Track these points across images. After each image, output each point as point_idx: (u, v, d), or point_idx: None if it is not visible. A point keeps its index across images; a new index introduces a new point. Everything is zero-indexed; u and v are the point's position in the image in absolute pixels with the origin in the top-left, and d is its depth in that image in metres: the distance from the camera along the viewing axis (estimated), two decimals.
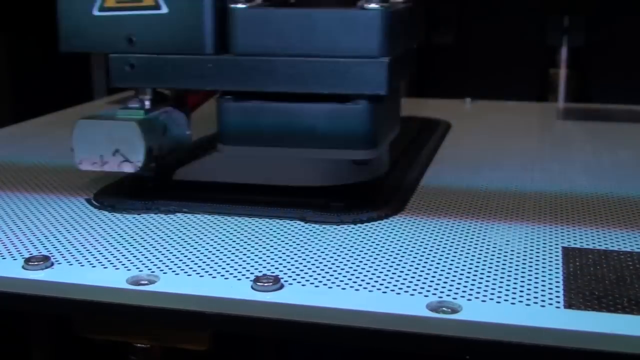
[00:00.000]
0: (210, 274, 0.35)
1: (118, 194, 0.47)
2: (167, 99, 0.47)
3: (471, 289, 0.33)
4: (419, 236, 0.40)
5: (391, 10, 0.41)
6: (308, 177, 0.46)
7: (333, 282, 0.34)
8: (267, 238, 0.40)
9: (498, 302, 0.32)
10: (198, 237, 0.40)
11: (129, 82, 0.44)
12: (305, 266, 0.36)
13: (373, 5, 0.40)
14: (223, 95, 0.43)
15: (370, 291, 0.33)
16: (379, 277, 0.35)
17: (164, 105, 0.46)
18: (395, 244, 0.39)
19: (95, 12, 0.43)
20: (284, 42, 0.41)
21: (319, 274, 0.35)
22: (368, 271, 0.35)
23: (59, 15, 0.44)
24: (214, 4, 0.42)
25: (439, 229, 0.41)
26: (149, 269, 0.36)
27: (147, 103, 0.45)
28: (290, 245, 0.39)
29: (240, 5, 0.42)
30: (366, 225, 0.42)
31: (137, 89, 0.45)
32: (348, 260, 0.37)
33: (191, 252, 0.38)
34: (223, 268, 0.36)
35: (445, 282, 0.34)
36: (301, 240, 0.39)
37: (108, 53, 0.44)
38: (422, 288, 0.33)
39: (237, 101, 0.42)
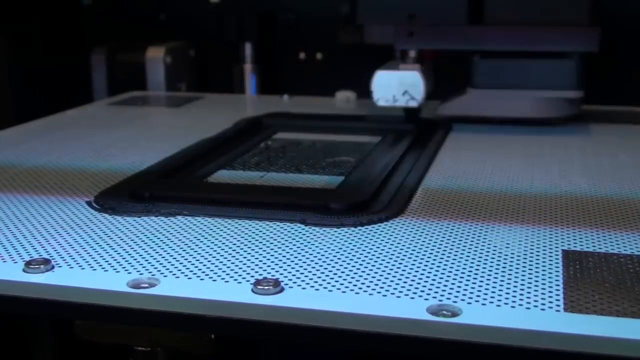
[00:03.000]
0: (211, 277, 0.35)
1: (118, 196, 0.47)
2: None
3: (471, 292, 0.33)
4: (420, 239, 0.40)
5: None
6: (535, 110, 0.66)
7: (333, 286, 0.34)
8: (268, 241, 0.40)
9: (498, 306, 0.32)
10: (198, 239, 0.40)
11: (409, 45, 0.66)
12: (305, 269, 0.36)
13: None
14: (474, 55, 0.66)
15: (370, 294, 0.33)
16: (379, 280, 0.35)
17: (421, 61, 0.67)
18: (396, 247, 0.39)
19: None
20: (523, 13, 0.63)
21: (320, 277, 0.35)
22: (368, 274, 0.35)
23: None
24: None
25: (440, 232, 0.41)
26: (150, 272, 0.36)
27: (415, 59, 0.66)
28: (291, 248, 0.39)
29: None
30: (367, 228, 0.42)
31: (407, 51, 0.66)
32: (348, 264, 0.37)
33: (191, 255, 0.38)
34: (223, 271, 0.36)
35: (445, 286, 0.34)
36: (301, 243, 0.39)
37: (393, 24, 0.66)
38: (422, 291, 0.33)
39: (484, 58, 0.66)
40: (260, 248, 0.39)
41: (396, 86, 0.64)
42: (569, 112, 0.67)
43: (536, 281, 0.34)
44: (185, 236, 0.40)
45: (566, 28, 0.63)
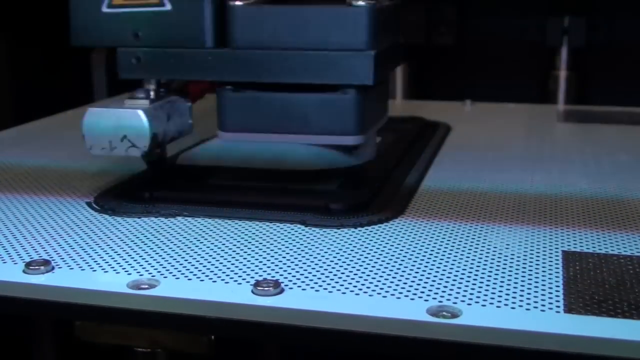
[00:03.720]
0: (211, 278, 0.35)
1: (119, 197, 0.47)
2: (170, 90, 0.50)
3: (471, 294, 0.33)
4: (419, 240, 0.40)
5: (377, 7, 0.44)
6: (300, 162, 0.49)
7: (333, 287, 0.34)
8: (268, 242, 0.40)
9: (498, 307, 0.32)
10: (198, 240, 0.40)
11: (135, 74, 0.47)
12: (305, 270, 0.36)
13: (360, 3, 0.44)
14: (222, 86, 0.46)
15: (370, 295, 0.33)
16: (379, 281, 0.35)
17: (168, 95, 0.49)
18: (396, 247, 0.39)
19: (104, 9, 0.46)
20: (278, 36, 0.45)
21: (320, 278, 0.35)
22: (368, 275, 0.35)
23: (70, 12, 0.47)
24: (214, 2, 0.45)
25: (440, 233, 0.41)
26: (150, 273, 0.36)
27: (152, 93, 0.48)
28: (291, 249, 0.39)
29: (238, 3, 0.45)
30: (367, 229, 0.42)
31: (142, 80, 0.48)
32: (348, 265, 0.37)
33: (192, 256, 0.38)
34: (223, 272, 0.36)
35: (445, 287, 0.34)
36: (301, 244, 0.39)
37: (116, 47, 0.47)
38: (422, 292, 0.33)
39: (235, 91, 0.46)
40: (260, 249, 0.39)
41: (112, 129, 0.45)
42: (347, 162, 0.49)
43: (536, 282, 0.34)
44: (185, 237, 0.40)
45: (336, 54, 0.44)
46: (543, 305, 0.32)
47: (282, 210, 0.44)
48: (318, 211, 0.44)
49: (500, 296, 0.33)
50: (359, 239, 0.40)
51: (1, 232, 0.41)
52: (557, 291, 0.33)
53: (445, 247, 0.39)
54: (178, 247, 0.39)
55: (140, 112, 0.45)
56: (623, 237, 0.40)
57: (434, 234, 0.41)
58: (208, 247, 0.39)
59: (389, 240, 0.40)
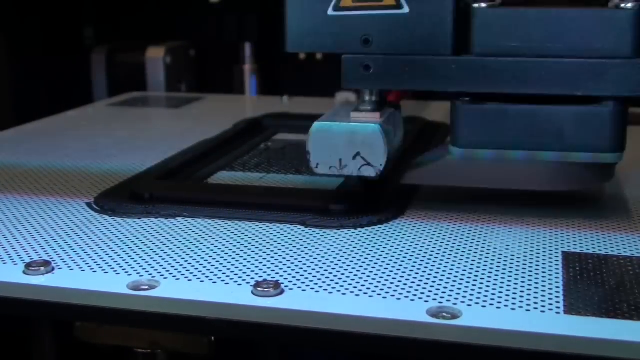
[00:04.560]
0: (211, 279, 0.35)
1: (119, 197, 0.47)
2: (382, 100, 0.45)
3: (471, 295, 0.33)
4: (420, 240, 0.40)
5: None
6: (542, 182, 0.44)
7: (333, 288, 0.34)
8: (268, 242, 0.40)
9: (498, 308, 0.32)
10: (198, 241, 0.40)
11: (362, 84, 0.43)
12: (305, 271, 0.36)
13: (630, 5, 0.39)
14: (459, 97, 0.42)
15: (370, 296, 0.33)
16: (379, 282, 0.35)
17: (385, 106, 0.45)
18: (396, 248, 0.39)
19: (330, 12, 0.43)
20: (530, 42, 0.40)
21: (320, 279, 0.35)
22: (368, 276, 0.35)
23: (287, 14, 0.43)
24: (456, 4, 0.41)
25: (440, 233, 0.41)
26: (150, 274, 0.36)
27: (375, 105, 0.44)
28: (291, 250, 0.39)
29: (482, 5, 0.41)
30: (367, 230, 0.42)
31: (361, 90, 0.44)
32: (348, 266, 0.37)
33: (192, 257, 0.38)
34: (223, 273, 0.36)
35: (445, 288, 0.34)
36: (301, 245, 0.39)
37: (341, 54, 0.43)
38: (422, 293, 0.33)
39: (475, 103, 0.42)
40: (261, 250, 0.39)
41: (343, 146, 0.42)
42: (598, 181, 0.45)
43: (536, 283, 0.34)
44: (185, 238, 0.40)
45: (599, 61, 0.40)
46: (543, 306, 0.32)
47: (282, 211, 0.44)
48: (318, 212, 0.44)
49: (500, 297, 0.33)
50: (359, 240, 0.40)
51: (1, 232, 0.41)
52: (557, 292, 0.33)
53: (445, 248, 0.39)
54: (178, 248, 0.39)
55: (378, 127, 0.42)
56: (623, 238, 0.40)
57: (434, 234, 0.41)
58: (208, 247, 0.39)
59: (389, 241, 0.40)
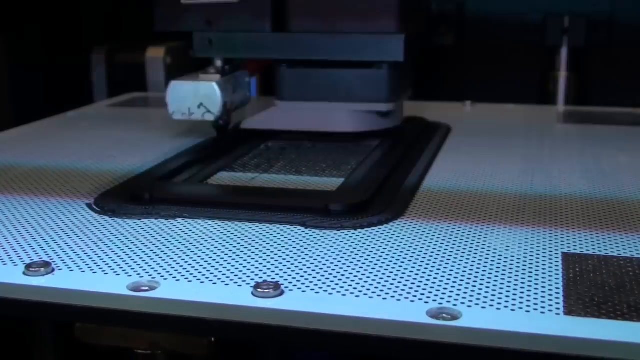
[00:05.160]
0: (211, 280, 0.35)
1: (119, 198, 0.47)
2: (234, 67, 0.61)
3: (471, 295, 0.33)
4: (419, 241, 0.40)
5: None
6: (344, 124, 0.60)
7: (333, 289, 0.34)
8: (268, 243, 0.40)
9: (498, 309, 0.32)
10: (198, 242, 0.40)
11: (207, 54, 0.59)
12: (305, 272, 0.36)
13: None
14: (280, 63, 0.60)
15: (370, 297, 0.33)
16: (379, 283, 0.35)
17: (232, 71, 0.60)
18: (396, 249, 0.39)
19: (183, 1, 0.58)
20: (327, 21, 0.57)
21: (320, 280, 0.35)
22: (368, 277, 0.35)
23: (155, 1, 0.59)
24: None
25: (439, 234, 0.41)
26: (150, 275, 0.36)
27: (219, 69, 0.59)
28: (291, 251, 0.39)
29: None
30: (366, 230, 0.42)
31: (213, 59, 0.59)
32: (348, 266, 0.37)
33: (192, 258, 0.38)
34: (223, 274, 0.36)
35: (445, 288, 0.34)
36: (301, 246, 0.39)
37: (192, 31, 0.59)
38: (422, 294, 0.33)
39: (291, 67, 0.60)
40: (261, 251, 0.39)
41: (191, 98, 0.57)
42: (382, 125, 0.61)
43: (536, 284, 0.34)
44: (185, 239, 0.40)
45: (372, 36, 0.56)
46: (543, 307, 0.32)
47: (282, 211, 0.44)
48: (318, 212, 0.44)
49: (500, 298, 0.33)
50: (359, 241, 0.40)
51: (1, 233, 0.41)
52: (557, 293, 0.33)
53: (446, 249, 0.39)
54: (178, 248, 0.39)
55: (214, 84, 0.56)
56: (623, 238, 0.40)
57: (434, 235, 0.41)
58: (208, 248, 0.39)
59: (389, 241, 0.40)
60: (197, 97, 0.57)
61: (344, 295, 0.33)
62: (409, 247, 0.39)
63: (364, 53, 0.56)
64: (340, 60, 0.58)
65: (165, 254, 0.38)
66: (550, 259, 0.37)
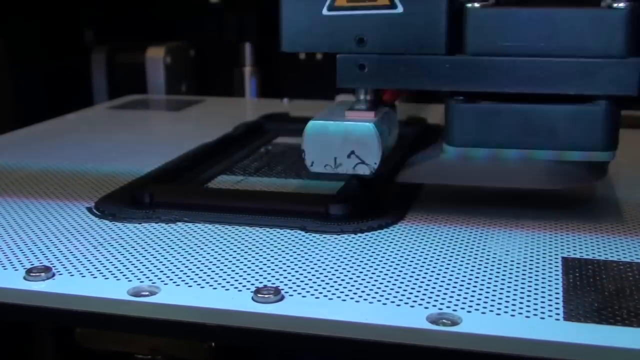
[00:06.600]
0: (211, 285, 0.35)
1: (119, 202, 0.47)
2: (377, 99, 0.46)
3: (471, 301, 0.33)
4: (420, 245, 0.40)
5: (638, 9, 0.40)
6: (536, 180, 0.44)
7: (333, 294, 0.34)
8: (268, 248, 0.40)
9: (498, 314, 0.32)
10: (199, 247, 0.40)
11: (357, 83, 0.44)
12: (305, 277, 0.36)
13: (622, 5, 0.40)
14: (452, 96, 0.42)
15: (370, 302, 0.33)
16: (379, 288, 0.35)
17: (380, 105, 0.46)
18: (396, 253, 0.39)
19: (325, 12, 0.43)
20: (524, 41, 0.41)
21: (320, 285, 0.35)
22: (368, 282, 0.35)
23: (282, 14, 0.44)
24: (450, 3, 0.42)
25: (440, 238, 0.41)
26: (150, 280, 0.36)
27: (369, 103, 0.45)
28: (291, 256, 0.39)
29: (475, 5, 0.41)
30: (367, 234, 0.42)
31: (357, 89, 0.45)
32: (348, 271, 0.37)
33: (192, 263, 0.38)
34: (224, 279, 0.36)
35: (445, 294, 0.34)
36: (302, 250, 0.39)
37: (335, 53, 0.43)
38: (422, 299, 0.33)
39: (469, 102, 0.42)
40: (261, 255, 0.39)
41: (338, 144, 0.43)
42: (590, 179, 0.45)
43: (536, 289, 0.34)
44: (185, 243, 0.40)
45: (591, 61, 0.40)
46: (543, 313, 0.32)
47: (282, 216, 0.44)
48: (318, 217, 0.44)
49: (500, 303, 0.33)
50: (359, 245, 0.40)
51: (1, 237, 0.41)
52: (556, 298, 0.33)
53: (446, 254, 0.39)
54: (178, 253, 0.39)
55: (372, 126, 0.42)
56: (623, 243, 0.40)
57: (434, 239, 0.41)
58: (208, 253, 0.39)
59: (389, 246, 0.40)
60: (348, 142, 0.43)
61: (344, 300, 0.34)
62: (409, 251, 0.39)
63: (582, 84, 0.40)
64: (538, 94, 0.41)
65: (165, 258, 0.38)
66: (550, 264, 0.37)
